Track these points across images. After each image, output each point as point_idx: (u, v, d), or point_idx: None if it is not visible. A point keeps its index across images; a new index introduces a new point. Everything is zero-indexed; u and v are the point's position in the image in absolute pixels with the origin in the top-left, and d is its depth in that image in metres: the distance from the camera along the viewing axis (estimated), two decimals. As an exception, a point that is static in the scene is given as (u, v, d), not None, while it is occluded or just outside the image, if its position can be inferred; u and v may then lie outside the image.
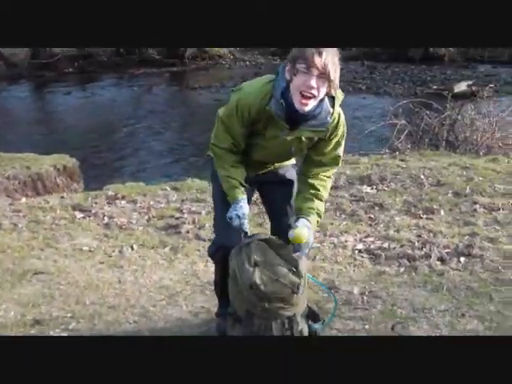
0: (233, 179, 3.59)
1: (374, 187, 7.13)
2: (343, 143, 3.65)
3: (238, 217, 3.54)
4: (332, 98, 3.45)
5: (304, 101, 3.25)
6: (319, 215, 3.62)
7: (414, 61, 23.44)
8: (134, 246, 5.75)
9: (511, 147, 9.60)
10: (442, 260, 5.18)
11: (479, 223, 5.91)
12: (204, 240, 5.78)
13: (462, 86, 17.40)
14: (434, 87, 18.51)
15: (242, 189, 3.60)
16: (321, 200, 3.63)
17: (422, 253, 5.31)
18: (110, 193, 7.28)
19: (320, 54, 3.17)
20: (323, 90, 3.27)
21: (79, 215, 6.62)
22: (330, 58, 3.20)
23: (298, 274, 3.37)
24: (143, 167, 12.13)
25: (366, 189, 7.08)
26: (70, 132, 15.79)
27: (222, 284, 3.81)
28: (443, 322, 4.17)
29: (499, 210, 6.21)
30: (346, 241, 5.69)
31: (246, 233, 3.57)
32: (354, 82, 20.16)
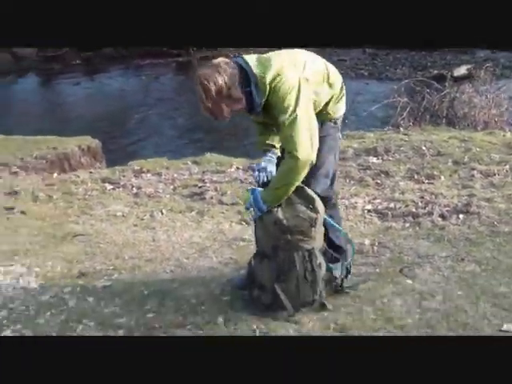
0: None
1: (380, 157, 7.69)
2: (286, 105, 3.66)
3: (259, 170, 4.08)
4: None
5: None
6: (270, 188, 3.87)
7: (415, 47, 23.83)
8: (164, 211, 6.32)
9: (506, 122, 10.19)
10: (442, 217, 5.74)
11: (476, 186, 6.48)
12: (227, 204, 6.36)
13: (461, 70, 17.84)
14: (435, 72, 18.93)
15: None
16: (276, 174, 3.95)
17: (425, 211, 5.88)
18: (136, 167, 7.85)
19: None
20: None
21: (109, 187, 7.19)
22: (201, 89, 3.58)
23: (314, 210, 3.87)
24: (158, 150, 12.56)
25: (373, 159, 7.64)
26: (82, 120, 16.17)
27: None
28: (444, 266, 4.70)
29: (495, 175, 6.77)
30: (356, 202, 6.26)
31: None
32: (356, 68, 20.57)
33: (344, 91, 4.14)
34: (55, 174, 7.99)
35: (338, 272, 4.23)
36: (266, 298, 4.02)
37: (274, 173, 4.03)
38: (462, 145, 8.00)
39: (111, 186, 7.19)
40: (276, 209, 3.88)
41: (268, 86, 3.64)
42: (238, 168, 7.65)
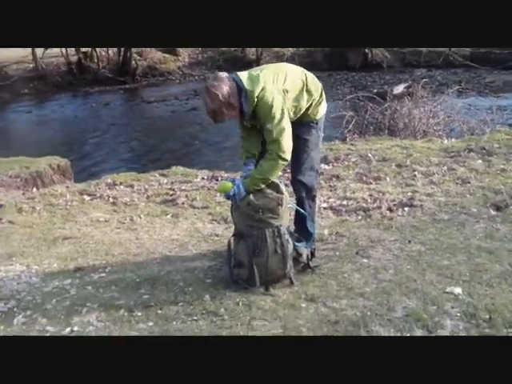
0: None
1: (331, 164, 8.49)
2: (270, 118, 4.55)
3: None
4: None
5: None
6: (253, 177, 4.72)
7: (354, 68, 24.90)
8: (142, 216, 7.00)
9: (443, 131, 11.16)
10: (390, 210, 6.55)
11: (418, 184, 7.33)
12: (198, 208, 7.08)
13: (400, 88, 18.81)
14: (375, 90, 19.88)
15: None
16: (260, 167, 4.76)
17: (374, 206, 6.68)
18: (109, 180, 8.49)
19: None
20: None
21: (87, 198, 7.82)
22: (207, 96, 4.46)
23: (280, 192, 4.74)
24: (119, 170, 13.13)
25: (324, 166, 8.42)
26: (38, 146, 16.45)
27: None
28: (394, 247, 5.47)
29: (434, 174, 7.63)
30: (313, 202, 7.02)
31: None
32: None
33: (324, 96, 5.12)
34: (34, 189, 8.58)
35: (303, 250, 5.02)
36: (244, 273, 4.77)
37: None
38: (403, 151, 8.86)
39: (89, 197, 7.82)
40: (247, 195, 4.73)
41: (256, 99, 4.53)
42: (203, 178, 8.36)
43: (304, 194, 5.09)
